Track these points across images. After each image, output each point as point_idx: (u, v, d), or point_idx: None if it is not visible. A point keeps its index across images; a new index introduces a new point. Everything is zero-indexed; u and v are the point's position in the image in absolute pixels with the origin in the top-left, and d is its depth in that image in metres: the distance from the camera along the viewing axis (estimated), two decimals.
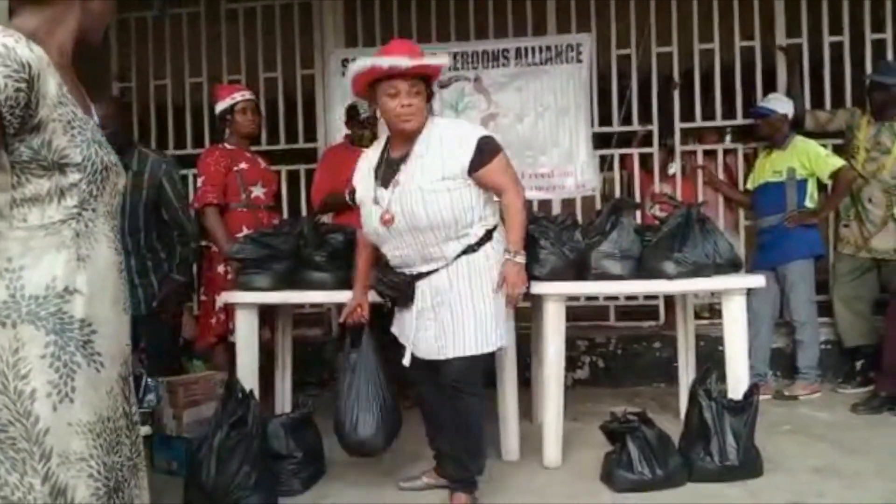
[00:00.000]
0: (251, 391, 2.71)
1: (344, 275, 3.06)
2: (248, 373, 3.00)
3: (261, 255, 3.11)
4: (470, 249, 2.48)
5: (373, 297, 2.72)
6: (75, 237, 1.42)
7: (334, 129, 4.79)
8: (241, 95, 3.68)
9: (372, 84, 2.44)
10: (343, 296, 3.09)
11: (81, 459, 1.39)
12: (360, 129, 3.96)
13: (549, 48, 4.72)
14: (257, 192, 3.68)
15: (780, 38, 4.69)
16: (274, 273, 3.12)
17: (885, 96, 4.03)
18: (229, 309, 3.41)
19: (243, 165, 3.63)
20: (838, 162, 4.03)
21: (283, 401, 3.59)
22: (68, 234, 1.41)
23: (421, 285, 2.53)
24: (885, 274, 4.05)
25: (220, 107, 3.67)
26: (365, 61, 2.40)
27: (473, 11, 4.84)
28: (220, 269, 3.57)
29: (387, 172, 2.52)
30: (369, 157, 2.64)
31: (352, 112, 4.03)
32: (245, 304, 3.08)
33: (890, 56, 4.53)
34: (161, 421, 3.03)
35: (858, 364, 4.21)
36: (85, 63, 1.60)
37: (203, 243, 3.65)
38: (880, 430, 3.37)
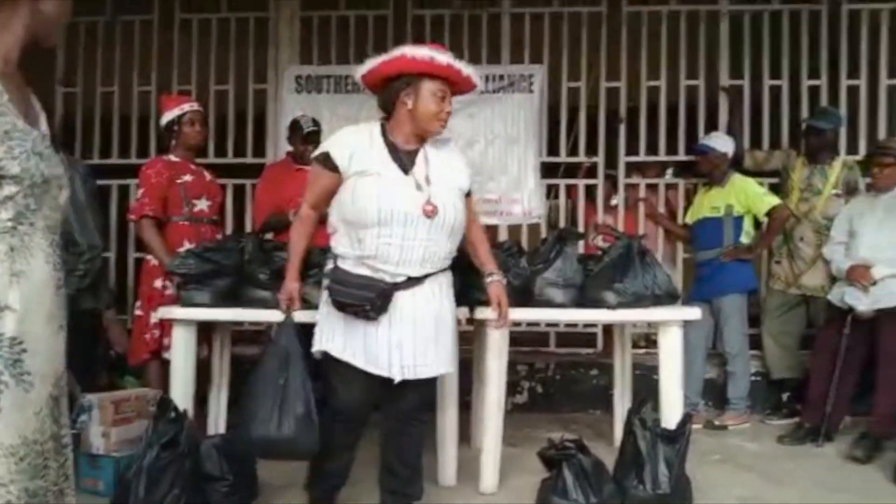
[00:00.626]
0: (185, 410, 2.65)
1: None
2: (182, 391, 2.94)
3: (202, 270, 3.05)
4: (449, 266, 2.53)
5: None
6: (9, 252, 1.38)
7: (285, 144, 4.76)
8: (189, 106, 3.63)
9: (400, 78, 2.36)
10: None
11: (0, 485, 1.34)
12: (303, 144, 3.92)
13: (502, 77, 4.81)
14: (201, 205, 3.62)
15: (724, 79, 4.88)
16: (215, 289, 3.06)
17: (820, 141, 4.23)
18: (165, 324, 3.34)
19: (187, 178, 3.58)
20: (774, 200, 4.20)
21: (218, 420, 3.51)
22: (2, 249, 1.37)
23: (402, 295, 2.37)
24: (813, 310, 4.22)
25: (167, 117, 3.62)
26: (428, 51, 2.34)
27: (430, 36, 4.89)
28: (158, 283, 3.49)
29: (405, 161, 2.40)
30: (363, 134, 2.44)
31: (294, 127, 4.02)
32: (183, 320, 3.02)
33: (824, 101, 4.75)
34: (88, 439, 2.92)
35: (785, 396, 4.36)
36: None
37: (141, 256, 3.58)
38: (804, 461, 3.49)
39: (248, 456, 2.60)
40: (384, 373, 2.36)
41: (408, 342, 2.38)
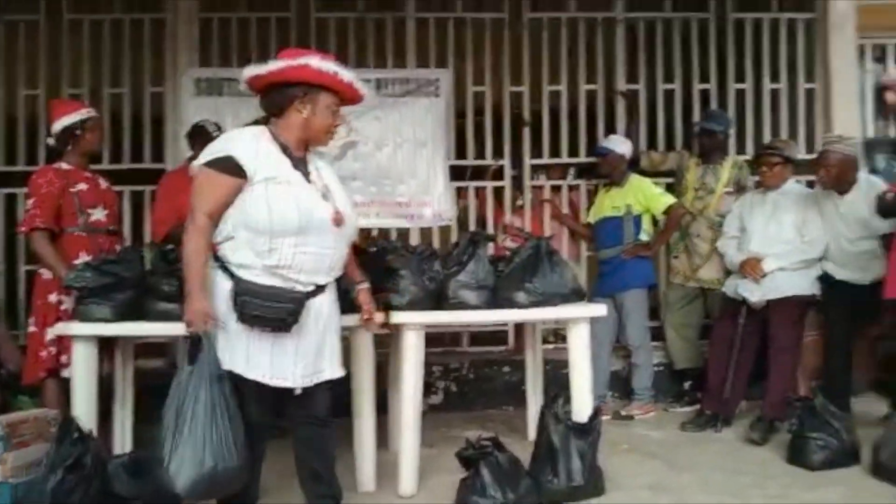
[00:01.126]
0: (90, 430, 2.53)
1: None
2: (85, 410, 2.78)
3: (101, 283, 2.91)
4: None
5: None
6: None
7: (186, 148, 4.60)
8: (88, 112, 3.47)
9: (298, 85, 2.35)
10: None
11: None
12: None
13: (408, 81, 4.83)
14: (97, 215, 3.46)
15: (621, 84, 5.09)
16: (116, 302, 2.92)
17: (712, 142, 4.47)
18: (61, 341, 3.17)
19: (82, 186, 3.41)
20: (670, 199, 4.40)
21: (124, 439, 3.37)
22: None
23: (314, 303, 2.39)
24: (710, 302, 4.45)
25: (63, 122, 3.41)
26: (334, 66, 2.36)
27: (335, 39, 4.86)
28: (53, 297, 3.30)
29: (304, 171, 2.40)
30: (257, 139, 2.37)
31: (198, 132, 3.91)
32: (83, 336, 2.87)
33: (714, 104, 5.02)
34: None
35: (686, 385, 4.58)
36: None
37: (32, 269, 3.39)
38: (705, 447, 3.68)
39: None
40: (289, 384, 2.36)
41: (311, 350, 2.41)
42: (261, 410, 2.35)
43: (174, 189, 3.83)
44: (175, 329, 3.02)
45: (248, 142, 2.35)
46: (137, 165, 4.76)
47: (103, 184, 3.59)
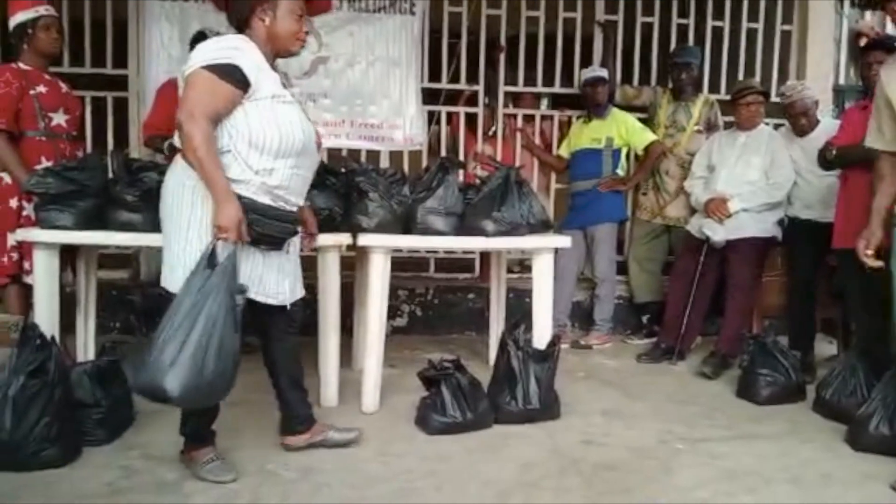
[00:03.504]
0: (52, 337, 2.51)
1: (156, 216, 2.89)
2: (46, 317, 2.77)
3: (63, 190, 2.85)
4: None
5: None
6: None
7: (151, 55, 4.46)
8: (45, 9, 3.31)
9: None
10: (154, 238, 2.94)
11: None
12: None
13: None
14: (58, 119, 3.35)
15: (599, 14, 5.00)
16: (78, 210, 2.87)
17: (687, 75, 4.44)
18: (24, 247, 3.12)
19: (41, 89, 3.29)
20: (652, 136, 4.41)
21: (87, 347, 3.36)
22: None
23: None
24: (674, 239, 4.52)
25: (17, 19, 3.27)
26: None
27: None
28: (13, 202, 3.22)
29: (284, 86, 2.32)
30: (252, 50, 2.23)
31: (200, 39, 3.79)
32: (45, 243, 2.82)
33: (691, 41, 4.99)
34: None
35: (645, 318, 4.71)
36: None
37: None
38: (659, 378, 3.82)
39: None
40: (274, 301, 2.35)
41: (291, 269, 2.43)
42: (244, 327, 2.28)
43: (174, 97, 3.74)
44: (137, 239, 3.02)
45: (250, 54, 2.20)
46: (99, 70, 4.58)
47: (64, 87, 3.46)
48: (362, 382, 3.09)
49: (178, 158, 2.22)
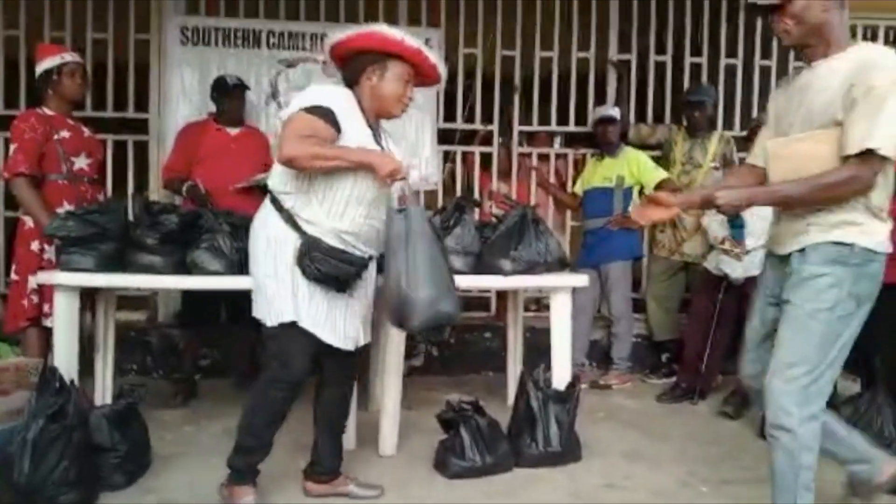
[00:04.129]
0: (72, 380, 2.52)
1: (176, 258, 2.94)
2: (67, 360, 2.77)
3: (85, 233, 2.88)
4: None
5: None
6: None
7: (172, 99, 4.54)
8: (70, 56, 3.40)
9: (369, 54, 2.34)
10: (174, 281, 2.98)
11: None
12: (230, 100, 3.94)
13: None
14: (80, 163, 3.41)
15: (613, 53, 5.05)
16: (99, 253, 2.90)
17: (699, 114, 4.46)
18: (43, 290, 3.15)
19: (65, 134, 3.36)
20: (663, 174, 4.41)
21: (104, 390, 3.36)
22: None
23: (367, 272, 2.47)
24: (692, 276, 4.49)
25: (43, 66, 3.36)
26: (401, 33, 2.33)
27: None
28: (35, 245, 3.26)
29: (380, 144, 2.43)
30: (352, 102, 2.36)
31: (219, 84, 3.96)
32: (66, 286, 2.84)
33: (704, 79, 5.02)
34: None
35: (664, 357, 4.65)
36: None
37: (15, 216, 3.33)
38: (679, 418, 3.76)
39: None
40: (340, 344, 2.41)
41: (358, 315, 2.48)
42: (305, 365, 2.36)
43: (193, 139, 3.90)
44: (156, 282, 3.04)
45: (342, 101, 2.33)
46: (121, 114, 4.67)
47: (86, 132, 3.53)
48: (380, 425, 3.07)
49: (265, 204, 2.39)
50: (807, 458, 2.09)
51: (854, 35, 5.19)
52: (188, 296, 3.87)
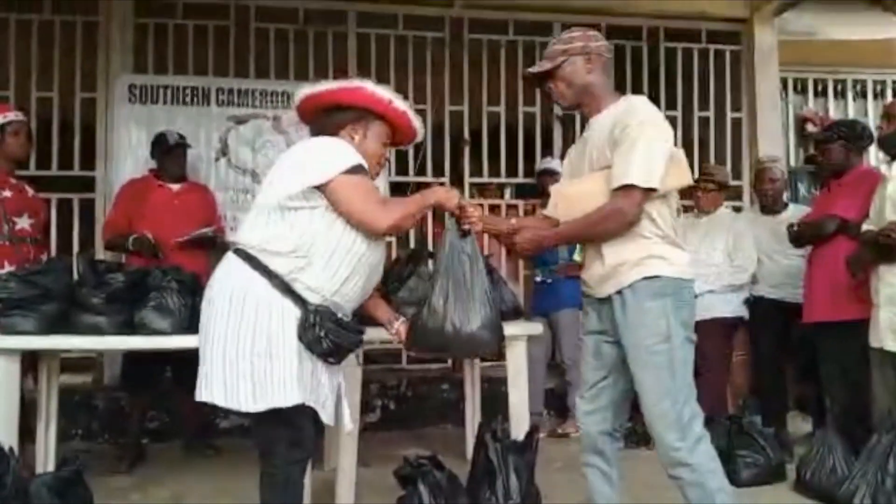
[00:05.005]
0: (10, 448, 2.41)
1: (122, 318, 2.86)
2: (5, 427, 2.63)
3: (26, 294, 2.81)
4: None
5: None
6: None
7: (119, 157, 4.48)
8: (14, 115, 3.39)
9: (350, 109, 2.19)
10: (120, 341, 2.89)
11: None
12: (170, 157, 3.89)
13: None
14: (22, 223, 3.36)
15: (557, 108, 5.19)
16: (41, 315, 2.82)
17: None
18: None
19: (6, 193, 3.33)
20: None
21: (46, 456, 3.21)
22: None
23: None
24: None
25: None
26: (390, 94, 2.23)
27: (274, 50, 4.82)
28: None
29: None
30: None
31: (159, 141, 3.92)
32: (6, 349, 2.73)
33: None
34: None
35: None
36: None
37: None
38: (636, 464, 3.72)
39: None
40: (329, 421, 2.19)
41: (333, 387, 2.22)
42: (312, 431, 2.16)
43: (135, 196, 3.84)
44: (102, 343, 2.95)
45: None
46: (66, 172, 4.60)
47: (30, 191, 3.48)
48: (336, 483, 3.00)
49: (236, 268, 2.07)
50: (715, 482, 2.15)
51: (785, 88, 5.47)
52: (130, 357, 3.77)
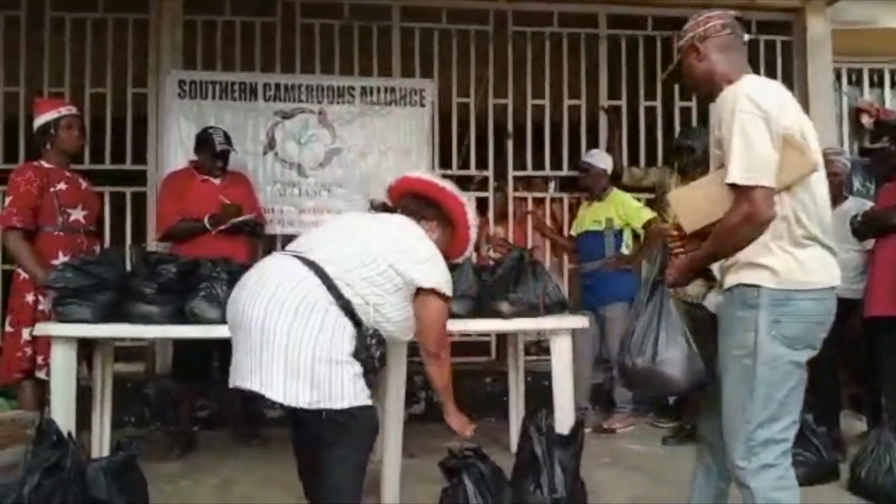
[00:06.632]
0: (69, 433, 2.47)
1: (174, 308, 2.92)
2: (63, 413, 2.73)
3: (82, 284, 2.88)
4: None
5: None
6: None
7: (169, 151, 4.57)
8: (66, 110, 3.45)
9: (439, 207, 2.41)
10: (171, 330, 2.96)
11: None
12: (214, 159, 3.92)
13: (393, 90, 4.83)
14: (76, 214, 3.42)
15: (603, 100, 5.14)
16: (97, 304, 2.89)
17: (690, 157, 4.51)
18: (38, 342, 3.12)
19: (61, 186, 3.38)
20: (649, 214, 4.45)
21: (101, 442, 3.30)
22: None
23: None
24: (698, 317, 4.46)
25: (41, 120, 3.40)
26: (475, 219, 2.46)
27: (320, 45, 4.86)
28: (30, 297, 3.25)
29: None
30: None
31: (205, 141, 3.96)
32: (64, 337, 2.81)
33: (695, 122, 5.09)
34: None
35: (671, 400, 4.60)
36: None
37: (9, 268, 3.33)
38: (685, 461, 3.64)
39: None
40: None
41: None
42: None
43: (178, 189, 3.90)
44: (156, 332, 3.02)
45: None
46: (119, 166, 4.70)
47: (83, 184, 3.55)
48: (382, 474, 3.01)
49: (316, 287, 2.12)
50: None
51: (839, 78, 5.32)
52: (181, 347, 3.84)
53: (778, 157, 1.89)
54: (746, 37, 2.14)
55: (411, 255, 2.22)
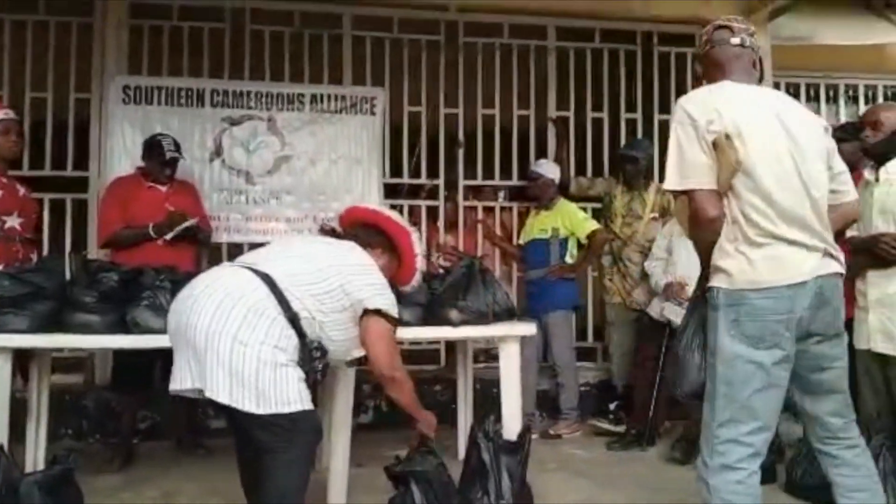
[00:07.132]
0: (1, 446, 2.40)
1: (115, 317, 2.86)
2: None
3: (19, 293, 2.80)
4: None
5: None
6: None
7: (113, 157, 4.47)
8: (3, 114, 3.37)
9: (389, 237, 2.60)
10: (112, 340, 2.89)
11: None
12: (162, 167, 3.86)
13: (344, 98, 4.82)
14: (12, 222, 3.35)
15: (552, 110, 5.21)
16: (34, 313, 2.82)
17: (635, 168, 4.62)
18: None
19: None
20: (594, 225, 4.53)
21: (36, 456, 3.20)
22: None
23: None
24: (645, 323, 4.56)
25: None
26: (420, 247, 2.65)
27: (269, 52, 4.82)
28: None
29: None
30: None
31: (154, 147, 3.89)
32: None
33: (640, 134, 5.20)
34: None
35: (613, 405, 4.67)
36: None
37: None
38: (630, 465, 3.77)
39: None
40: None
41: None
42: None
43: (124, 196, 3.82)
44: (96, 342, 2.95)
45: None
46: (59, 173, 4.58)
47: (21, 190, 3.47)
48: (328, 483, 2.98)
49: (266, 294, 2.20)
50: None
51: (835, 95, 5.51)
52: (121, 357, 3.75)
53: (711, 161, 2.00)
54: (735, 39, 2.17)
55: (361, 277, 2.36)
